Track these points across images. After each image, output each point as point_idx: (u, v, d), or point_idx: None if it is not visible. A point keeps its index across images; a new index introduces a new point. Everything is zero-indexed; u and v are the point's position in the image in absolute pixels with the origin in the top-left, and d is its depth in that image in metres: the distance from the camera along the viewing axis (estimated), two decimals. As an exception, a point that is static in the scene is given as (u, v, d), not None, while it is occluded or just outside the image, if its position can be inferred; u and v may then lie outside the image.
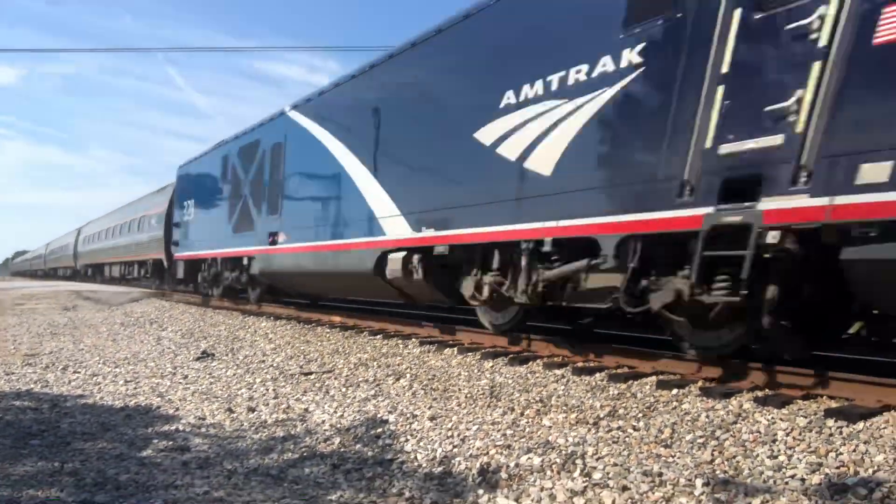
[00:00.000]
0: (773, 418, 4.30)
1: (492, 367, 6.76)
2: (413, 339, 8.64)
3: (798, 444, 3.92)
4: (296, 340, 9.95)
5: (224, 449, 4.98)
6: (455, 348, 7.76)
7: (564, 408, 5.23)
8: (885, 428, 3.94)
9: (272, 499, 3.90)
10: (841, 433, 3.97)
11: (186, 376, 8.07)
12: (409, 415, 5.58)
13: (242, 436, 5.39)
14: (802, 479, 3.54)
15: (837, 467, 3.60)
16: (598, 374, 5.85)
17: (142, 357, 9.63)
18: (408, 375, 6.99)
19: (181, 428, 5.61)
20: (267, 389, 7.06)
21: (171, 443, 5.10)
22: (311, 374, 7.68)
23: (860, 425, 4.02)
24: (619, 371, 5.90)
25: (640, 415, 4.80)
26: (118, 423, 5.74)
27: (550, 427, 4.85)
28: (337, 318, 11.37)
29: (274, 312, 13.50)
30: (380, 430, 5.32)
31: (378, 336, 9.34)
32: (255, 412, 6.14)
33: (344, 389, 6.78)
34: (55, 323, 14.15)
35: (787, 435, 4.06)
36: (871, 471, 3.51)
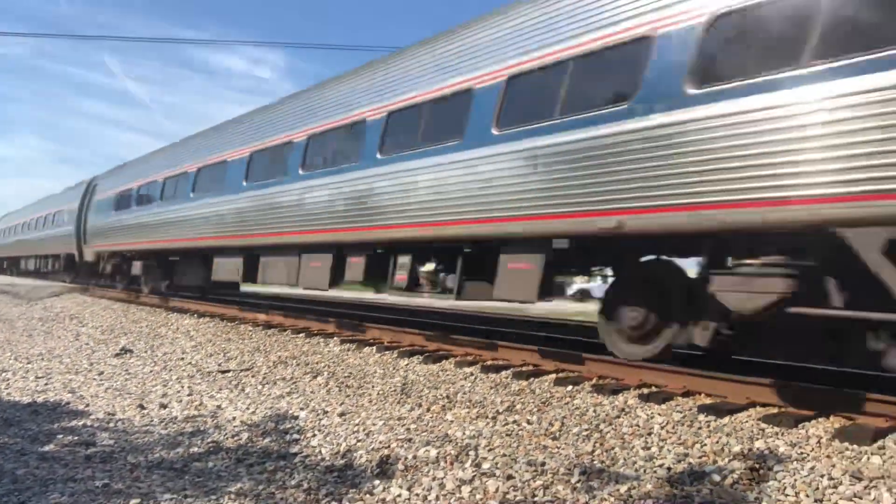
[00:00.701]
0: (652, 413, 4.66)
1: (406, 364, 6.97)
2: (335, 338, 8.77)
3: (670, 437, 4.28)
4: (217, 338, 9.93)
5: (130, 444, 5.02)
6: (374, 347, 7.94)
7: (468, 403, 5.48)
8: (746, 422, 4.33)
9: (171, 490, 4.00)
10: (709, 426, 4.35)
11: (102, 373, 7.99)
12: (320, 411, 5.74)
13: (151, 431, 5.43)
14: (669, 468, 3.88)
15: (700, 457, 3.95)
16: (503, 372, 6.13)
17: (57, 353, 9.44)
18: (325, 373, 7.13)
19: (89, 423, 5.61)
20: (182, 386, 7.08)
21: (76, 438, 5.10)
22: (228, 371, 7.73)
23: (726, 419, 4.41)
24: (523, 369, 6.19)
25: (536, 409, 5.09)
26: (23, 419, 5.68)
27: (452, 421, 5.09)
28: (262, 317, 11.37)
29: (198, 310, 13.37)
30: (289, 425, 5.45)
31: (301, 335, 9.43)
32: (167, 408, 6.17)
33: (260, 387, 6.87)
34: (-33, 318, 13.62)
35: (662, 428, 4.41)
36: (727, 460, 3.87)
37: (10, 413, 5.85)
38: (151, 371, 8.02)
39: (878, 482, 3.38)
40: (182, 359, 8.72)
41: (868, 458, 3.63)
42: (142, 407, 6.21)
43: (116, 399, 6.56)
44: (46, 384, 7.23)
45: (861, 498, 3.28)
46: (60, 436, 5.17)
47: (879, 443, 3.80)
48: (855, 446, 3.78)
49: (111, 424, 5.61)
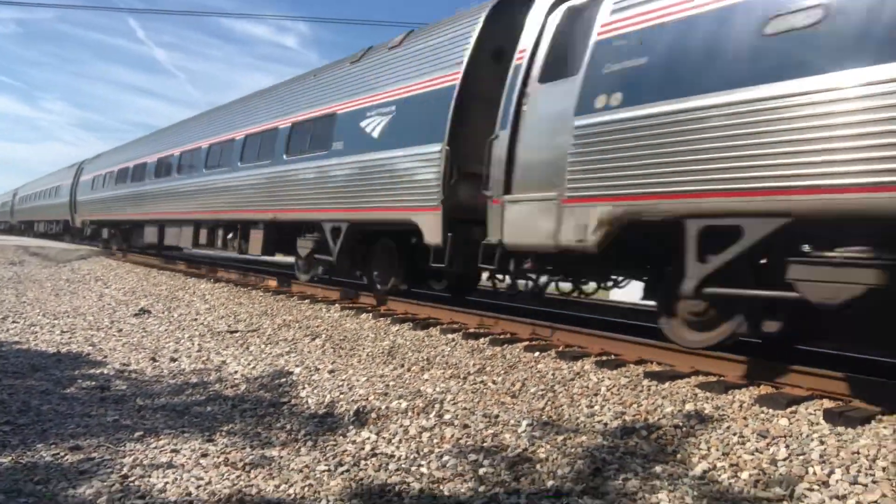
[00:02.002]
0: (602, 377, 5.15)
1: (397, 330, 7.52)
2: (336, 305, 9.35)
3: (613, 397, 4.77)
4: (230, 302, 10.58)
5: (140, 389, 5.66)
6: (371, 313, 8.51)
7: (445, 365, 6.02)
8: (684, 387, 4.81)
9: (172, 427, 4.61)
10: (649, 390, 4.83)
11: (121, 330, 8.67)
12: (312, 368, 6.32)
13: (160, 380, 6.06)
14: (605, 424, 4.39)
15: (634, 415, 4.45)
16: (482, 339, 6.64)
17: (81, 311, 10.17)
18: (323, 336, 7.71)
19: (105, 372, 6.26)
20: (192, 344, 7.72)
21: (93, 383, 5.75)
22: (236, 332, 8.36)
23: (667, 385, 4.89)
24: (501, 336, 6.71)
25: (503, 371, 5.62)
26: (49, 366, 6.35)
27: (427, 380, 5.64)
28: (273, 283, 12.01)
29: (214, 276, 14.06)
30: (283, 380, 6.05)
31: (306, 300, 10.03)
32: (177, 362, 6.81)
33: (263, 346, 7.48)
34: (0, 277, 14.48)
35: (608, 390, 4.90)
36: (657, 418, 4.36)
37: (36, 360, 6.53)
38: (166, 330, 8.68)
39: (780, 440, 3.85)
40: (195, 319, 9.38)
41: (777, 421, 4.10)
42: (154, 360, 6.86)
43: (132, 353, 7.22)
44: (70, 338, 7.92)
45: (761, 452, 3.75)
46: (80, 381, 5.82)
47: (792, 408, 4.25)
48: (770, 410, 4.25)
49: (125, 373, 6.26)
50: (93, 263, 18.53)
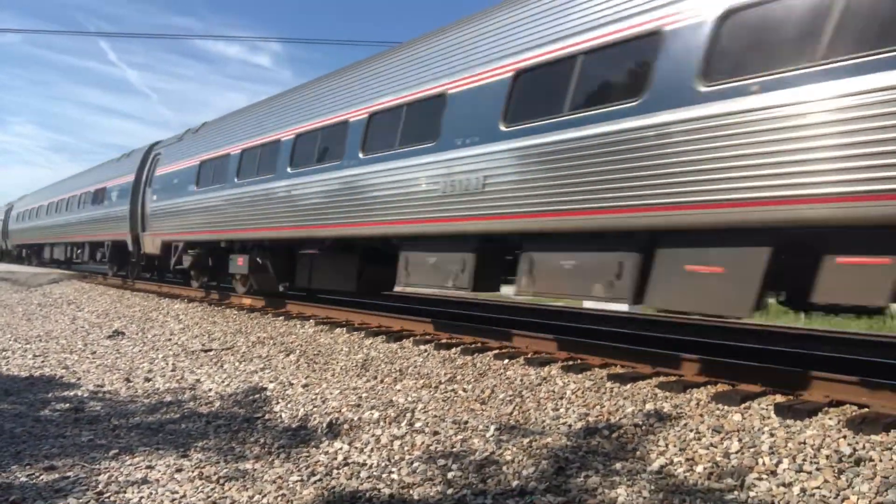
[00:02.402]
0: (568, 381, 5.32)
1: (370, 343, 7.63)
2: (311, 320, 9.43)
3: (578, 400, 4.94)
4: (204, 321, 10.60)
5: (115, 409, 5.70)
6: (345, 328, 8.61)
7: (417, 376, 6.15)
8: (644, 388, 5.00)
9: (147, 444, 4.68)
10: (612, 391, 5.01)
11: (95, 352, 8.66)
12: (286, 383, 6.41)
13: (134, 400, 6.11)
14: (570, 426, 4.55)
15: (597, 416, 4.62)
16: (453, 349, 6.79)
17: (54, 335, 10.12)
18: (297, 351, 7.80)
19: (79, 394, 6.29)
20: (167, 364, 7.76)
21: (67, 405, 5.78)
22: (210, 350, 8.40)
23: (628, 386, 5.07)
24: (472, 346, 6.85)
25: (473, 379, 5.76)
26: (21, 390, 6.36)
27: (399, 390, 5.76)
28: (247, 301, 12.04)
29: (188, 295, 14.03)
30: (258, 396, 6.13)
31: (280, 317, 10.09)
32: (151, 381, 6.85)
33: (237, 364, 7.54)
34: (-31, 303, 14.30)
35: (573, 393, 5.07)
36: (619, 418, 4.54)
37: (9, 384, 6.53)
38: (140, 350, 8.70)
39: (733, 434, 4.04)
40: (170, 339, 9.39)
41: (731, 416, 4.29)
42: (128, 380, 6.89)
43: (106, 374, 7.24)
44: (43, 361, 7.91)
45: (715, 447, 3.94)
46: (53, 403, 5.85)
47: (746, 404, 4.45)
48: (725, 406, 4.44)
49: (99, 395, 6.29)
50: (65, 287, 18.35)
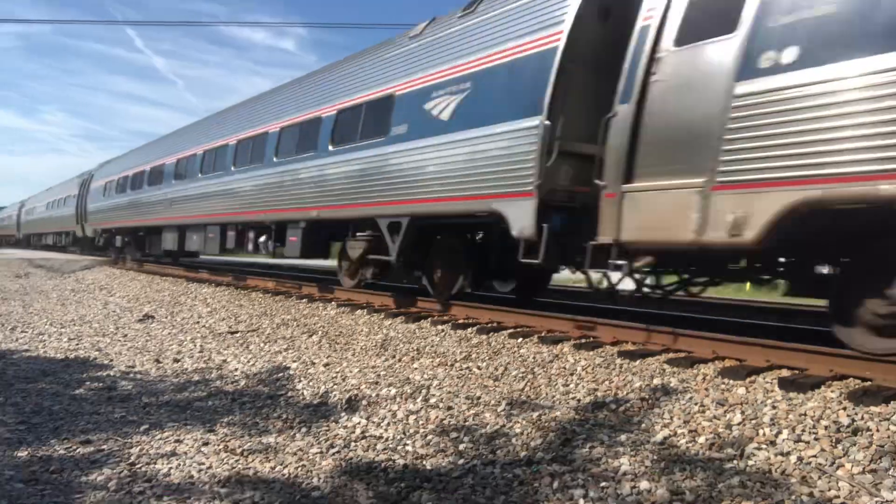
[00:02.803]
0: (579, 359, 5.46)
1: (390, 324, 7.83)
2: (333, 303, 9.67)
3: (588, 376, 5.09)
4: (230, 304, 10.91)
5: (145, 389, 5.98)
6: (366, 309, 8.82)
7: (434, 354, 6.34)
8: (653, 364, 5.12)
9: (175, 420, 4.94)
10: (621, 368, 5.14)
11: (126, 335, 9.00)
12: (308, 363, 6.64)
13: (164, 380, 6.39)
14: (579, 400, 4.70)
15: (605, 391, 4.76)
16: (469, 329, 6.96)
17: (87, 319, 10.49)
18: (319, 333, 8.03)
19: (112, 374, 6.59)
20: (195, 345, 8.05)
21: (100, 384, 6.08)
22: (237, 332, 8.68)
23: (637, 362, 5.19)
24: (488, 325, 7.02)
25: (487, 357, 5.93)
26: (58, 371, 6.68)
27: (416, 368, 5.96)
28: (271, 284, 12.33)
29: (215, 279, 14.39)
30: (281, 374, 6.37)
31: (304, 300, 10.35)
32: (179, 362, 7.13)
33: (262, 345, 7.80)
34: (6, 289, 14.81)
35: (584, 370, 5.22)
36: (626, 393, 4.67)
37: (46, 366, 6.86)
38: (169, 333, 9.01)
39: (736, 407, 4.16)
40: (198, 322, 9.70)
41: (735, 390, 4.40)
42: (158, 361, 7.18)
43: (136, 356, 7.54)
44: (77, 344, 8.25)
45: (718, 419, 4.06)
46: (88, 383, 6.15)
47: (751, 378, 4.56)
48: (730, 381, 4.55)
49: (130, 375, 6.58)
50: (97, 273, 18.88)
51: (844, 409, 3.90)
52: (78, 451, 4.22)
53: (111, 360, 7.27)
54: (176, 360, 7.21)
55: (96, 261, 22.94)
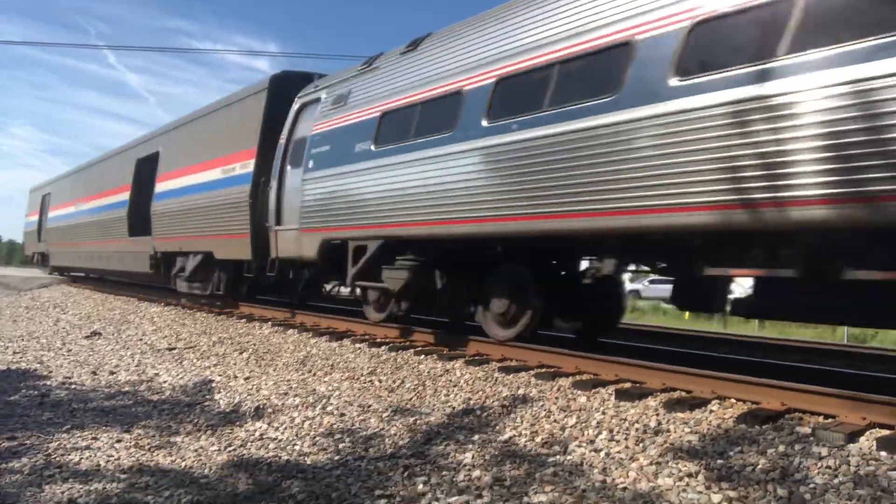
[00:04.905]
0: (464, 372, 6.18)
1: (315, 342, 8.49)
2: (269, 322, 10.29)
3: (467, 387, 5.80)
4: (175, 323, 11.46)
5: (77, 396, 6.56)
6: (297, 329, 9.46)
7: (345, 370, 7.01)
8: (524, 377, 5.85)
9: (98, 423, 5.54)
10: (497, 380, 5.86)
11: (71, 350, 9.52)
12: (231, 377, 7.27)
13: (96, 390, 6.97)
14: (454, 408, 5.41)
15: (476, 400, 5.48)
16: (383, 347, 7.65)
17: (36, 335, 10.98)
18: (250, 350, 8.65)
19: (48, 384, 7.15)
20: (133, 360, 8.61)
21: (35, 392, 6.64)
22: (174, 349, 9.26)
23: (511, 376, 5.92)
24: (400, 343, 7.72)
25: (390, 372, 6.62)
26: (-3, 380, 7.22)
27: (325, 381, 6.62)
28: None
29: (164, 299, 14.89)
30: (204, 386, 6.99)
31: (243, 320, 10.95)
32: (115, 375, 7.71)
33: (195, 360, 8.40)
34: (-40, 306, 15.15)
35: (466, 383, 5.93)
36: (493, 401, 5.39)
37: (-13, 376, 7.39)
38: (112, 349, 9.55)
39: (575, 413, 4.90)
40: (141, 339, 10.25)
41: (578, 399, 5.15)
42: (94, 374, 7.75)
43: (76, 368, 8.10)
44: (21, 357, 8.77)
45: (558, 422, 4.80)
46: (24, 390, 6.71)
47: (596, 389, 5.31)
48: (578, 391, 5.30)
49: (66, 385, 7.15)
50: (53, 291, 19.21)
51: (657, 414, 4.66)
52: (3, 444, 4.81)
53: (51, 372, 7.81)
54: (112, 373, 7.78)
55: (54, 279, 23.18)
